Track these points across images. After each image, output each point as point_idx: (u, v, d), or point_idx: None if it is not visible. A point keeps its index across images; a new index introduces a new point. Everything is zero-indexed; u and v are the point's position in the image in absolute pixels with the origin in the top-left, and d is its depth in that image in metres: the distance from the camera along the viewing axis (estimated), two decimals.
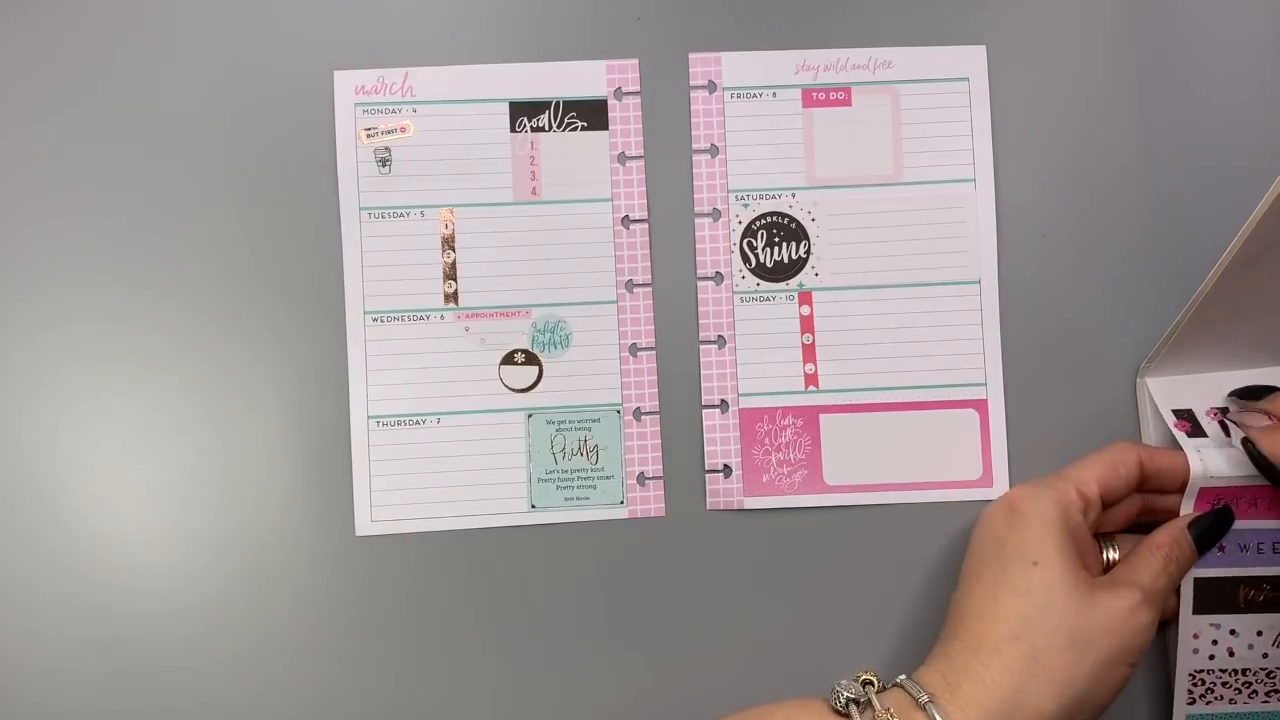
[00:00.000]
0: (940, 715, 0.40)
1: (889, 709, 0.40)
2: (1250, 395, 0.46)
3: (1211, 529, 0.45)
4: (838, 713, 0.41)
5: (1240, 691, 0.47)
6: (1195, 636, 0.47)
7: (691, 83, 0.49)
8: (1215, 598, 0.47)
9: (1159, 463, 0.45)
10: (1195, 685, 0.47)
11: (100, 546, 0.47)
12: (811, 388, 0.49)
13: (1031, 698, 0.40)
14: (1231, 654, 0.47)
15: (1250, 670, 0.47)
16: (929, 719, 0.40)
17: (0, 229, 0.48)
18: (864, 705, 0.41)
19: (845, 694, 0.41)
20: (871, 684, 0.42)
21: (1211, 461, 0.45)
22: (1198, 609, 0.47)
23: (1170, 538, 0.45)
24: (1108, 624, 0.41)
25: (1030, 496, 0.44)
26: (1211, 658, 0.47)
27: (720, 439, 0.49)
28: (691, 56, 0.49)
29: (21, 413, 0.48)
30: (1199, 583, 0.46)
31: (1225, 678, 0.47)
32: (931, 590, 0.48)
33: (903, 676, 0.42)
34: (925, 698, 0.40)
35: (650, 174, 0.49)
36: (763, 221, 0.49)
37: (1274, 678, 0.47)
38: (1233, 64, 0.50)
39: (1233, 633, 0.47)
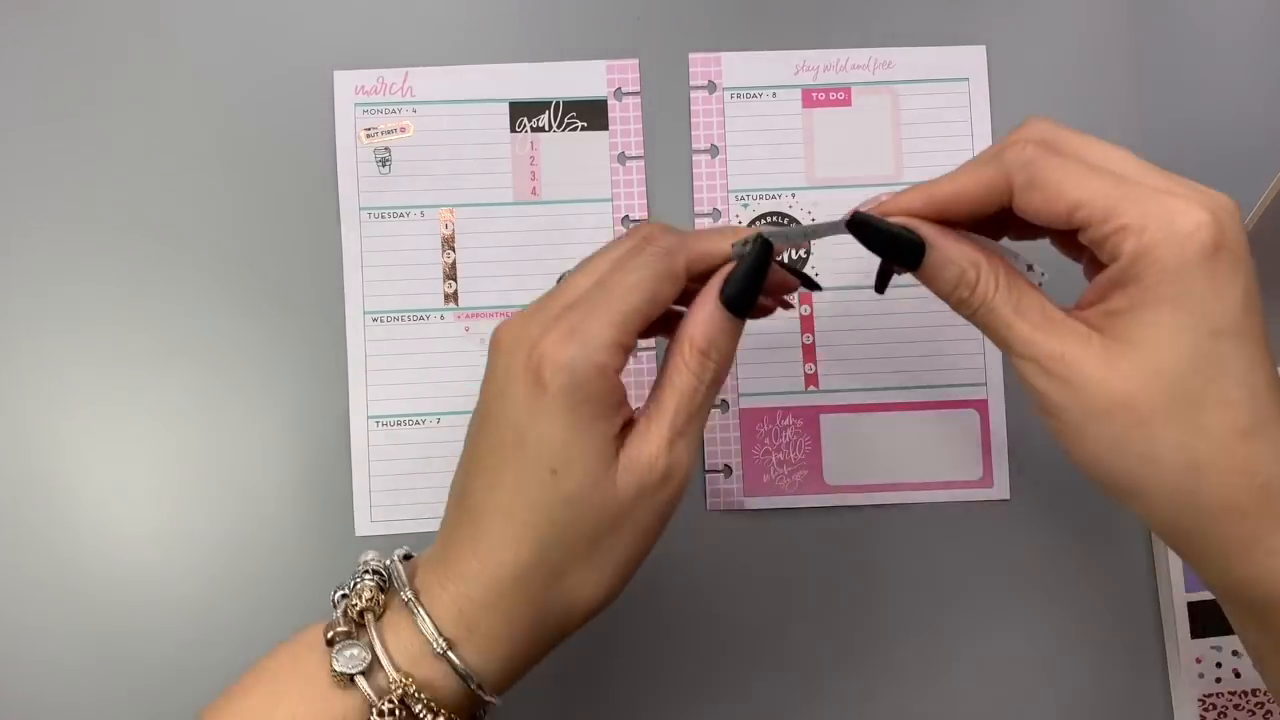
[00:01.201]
0: (464, 667, 0.34)
1: (402, 673, 0.34)
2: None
3: (748, 277, 0.35)
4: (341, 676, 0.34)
5: (1254, 713, 0.47)
6: (1198, 661, 0.47)
7: (691, 83, 0.49)
8: (1211, 620, 0.46)
9: (701, 253, 0.36)
10: (1207, 710, 0.47)
11: (101, 546, 0.47)
12: (811, 388, 0.49)
13: (554, 617, 0.35)
14: (1238, 675, 0.47)
15: (1261, 690, 0.47)
16: (452, 670, 0.34)
17: (1, 233, 0.48)
18: (369, 666, 0.34)
19: (348, 657, 0.34)
20: (371, 613, 0.35)
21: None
22: (1195, 633, 0.47)
23: (688, 335, 0.35)
24: (637, 507, 0.34)
25: (559, 368, 0.33)
26: (1219, 680, 0.47)
27: (720, 439, 0.49)
28: (691, 56, 0.49)
29: (25, 415, 0.48)
30: (1192, 606, 0.46)
31: (1237, 699, 0.47)
32: (931, 590, 0.48)
33: (413, 601, 0.35)
34: (443, 646, 0.34)
35: (650, 174, 0.49)
36: (763, 222, 0.49)
37: None
38: (1232, 64, 0.50)
39: (1235, 653, 0.47)
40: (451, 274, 0.49)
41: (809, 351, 0.49)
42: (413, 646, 0.34)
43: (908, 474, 0.49)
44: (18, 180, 0.48)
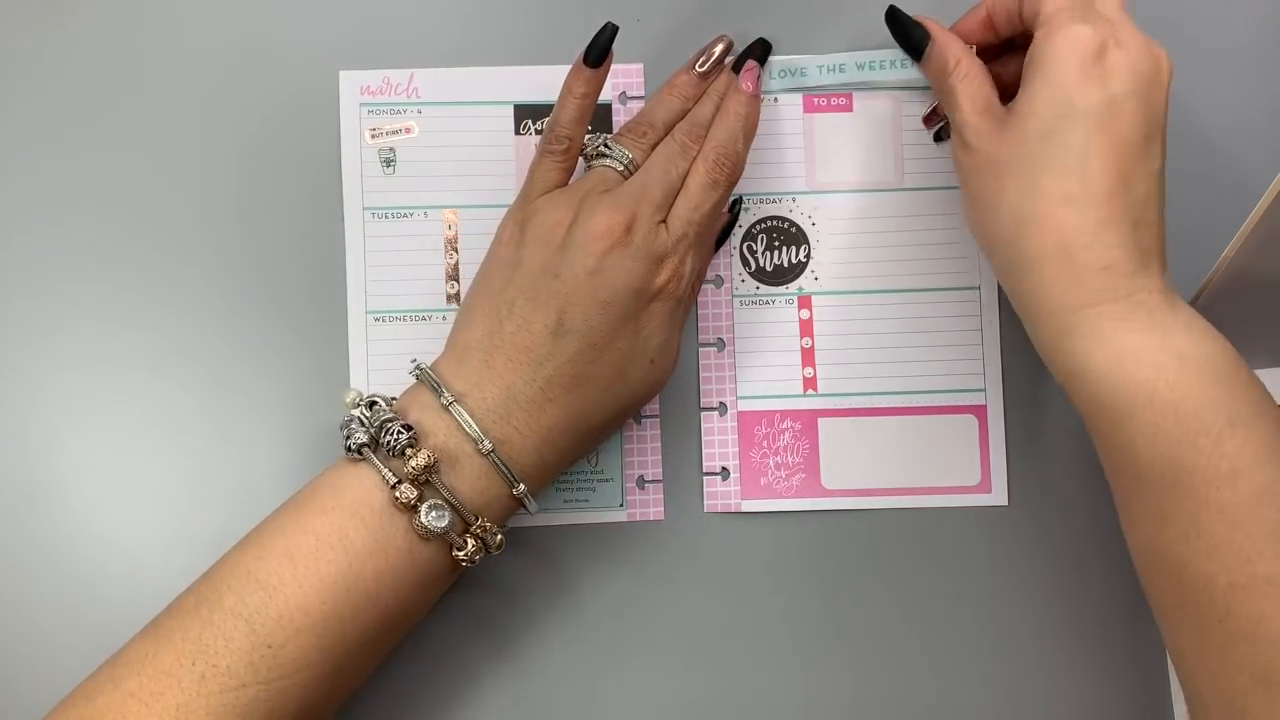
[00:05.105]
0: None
1: (481, 517, 0.40)
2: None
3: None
4: (403, 506, 0.39)
5: None
6: None
7: None
8: None
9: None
10: None
11: (101, 548, 0.47)
12: (810, 391, 0.49)
13: (582, 457, 0.46)
14: None
15: None
16: (520, 504, 0.42)
17: (2, 231, 0.48)
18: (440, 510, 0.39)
19: (437, 514, 0.39)
20: (435, 471, 0.40)
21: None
22: None
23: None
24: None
25: (681, 281, 0.43)
26: None
27: (718, 441, 0.49)
28: None
29: (24, 415, 0.48)
30: None
31: None
32: (929, 595, 0.48)
33: (494, 454, 0.40)
34: (524, 491, 0.41)
35: None
36: (763, 225, 0.49)
37: None
38: (1232, 65, 0.50)
39: None
40: (454, 275, 0.49)
41: (808, 355, 0.49)
42: (489, 491, 0.41)
43: (906, 479, 0.49)
44: (19, 180, 0.48)
